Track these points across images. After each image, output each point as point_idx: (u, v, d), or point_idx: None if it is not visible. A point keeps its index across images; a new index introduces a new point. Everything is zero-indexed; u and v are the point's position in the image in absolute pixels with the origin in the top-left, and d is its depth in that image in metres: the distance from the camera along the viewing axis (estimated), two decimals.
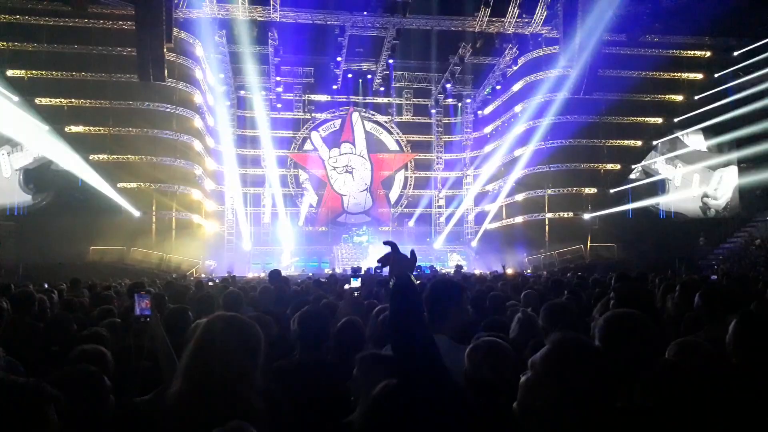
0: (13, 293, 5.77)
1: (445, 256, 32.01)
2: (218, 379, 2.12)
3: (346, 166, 34.55)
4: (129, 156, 27.08)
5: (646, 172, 30.87)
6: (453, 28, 28.27)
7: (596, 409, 1.66)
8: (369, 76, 33.33)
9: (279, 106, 32.85)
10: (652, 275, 10.21)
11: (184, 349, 2.27)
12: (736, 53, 29.63)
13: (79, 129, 26.69)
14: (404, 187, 35.32)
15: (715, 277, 11.44)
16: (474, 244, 33.65)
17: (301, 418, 2.61)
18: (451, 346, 2.94)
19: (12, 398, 1.62)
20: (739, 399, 2.47)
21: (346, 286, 7.04)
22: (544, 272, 20.19)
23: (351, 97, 34.11)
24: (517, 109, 30.56)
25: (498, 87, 32.23)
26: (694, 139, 30.77)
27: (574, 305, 4.28)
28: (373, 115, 35.08)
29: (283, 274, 11.22)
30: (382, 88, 34.02)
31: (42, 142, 25.20)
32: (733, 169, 30.31)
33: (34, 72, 26.53)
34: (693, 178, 30.69)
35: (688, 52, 30.75)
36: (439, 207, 35.28)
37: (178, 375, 2.21)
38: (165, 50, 23.52)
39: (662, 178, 30.73)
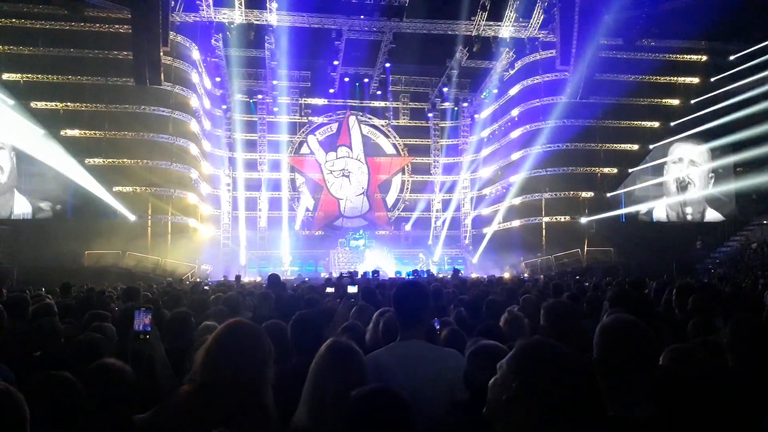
0: (6, 298, 5.73)
1: (442, 260, 31.98)
2: (230, 384, 2.16)
3: (343, 169, 34.51)
4: (125, 160, 27.02)
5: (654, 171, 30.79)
6: (450, 32, 28.29)
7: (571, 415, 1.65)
8: (366, 80, 33.33)
9: (276, 109, 32.81)
10: (648, 280, 10.21)
11: (194, 354, 2.31)
12: (732, 57, 29.73)
13: (75, 133, 26.61)
14: (401, 190, 35.30)
15: (706, 280, 11.46)
16: (470, 248, 33.65)
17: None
18: (428, 349, 2.93)
19: None
20: (737, 401, 2.45)
21: (328, 290, 7.02)
22: (542, 276, 20.20)
23: (348, 100, 34.11)
24: (514, 112, 30.60)
25: (495, 91, 32.28)
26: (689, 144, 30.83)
27: (574, 305, 4.26)
28: (370, 118, 35.06)
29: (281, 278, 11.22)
30: (379, 92, 34.03)
31: (37, 146, 25.12)
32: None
33: (29, 75, 26.45)
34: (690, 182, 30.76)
35: (685, 56, 30.86)
36: (437, 211, 35.27)
37: (193, 377, 2.26)
38: (161, 54, 23.54)
39: (662, 181, 30.76)
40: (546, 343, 1.72)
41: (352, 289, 5.03)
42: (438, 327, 3.98)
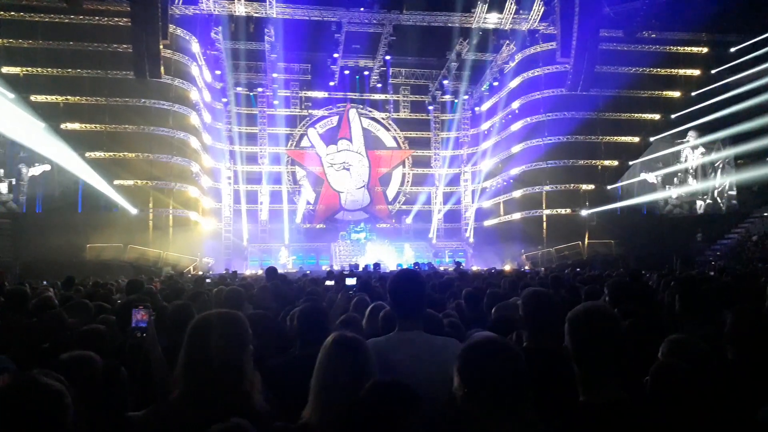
0: (6, 291, 5.74)
1: (442, 252, 31.99)
2: (212, 375, 2.15)
3: (344, 163, 34.47)
4: (125, 153, 27.00)
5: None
6: (450, 24, 28.20)
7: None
8: (366, 73, 33.23)
9: (276, 102, 32.73)
10: (650, 272, 10.22)
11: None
12: (733, 49, 29.61)
13: (75, 126, 26.60)
14: (402, 183, 35.27)
15: (712, 273, 11.46)
16: (471, 240, 33.67)
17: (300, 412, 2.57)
18: (427, 339, 2.87)
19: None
20: (736, 393, 2.46)
21: (328, 282, 7.06)
22: (542, 268, 20.22)
23: (348, 93, 34.00)
24: (515, 105, 30.54)
25: (495, 83, 32.18)
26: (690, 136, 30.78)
27: (555, 295, 4.23)
28: (370, 111, 34.99)
29: (281, 271, 11.25)
30: (379, 85, 33.92)
31: (38, 140, 25.10)
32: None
33: (29, 69, 26.40)
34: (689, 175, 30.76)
35: (686, 48, 30.74)
36: (437, 204, 35.22)
37: (179, 375, 2.23)
38: (161, 47, 23.46)
39: (662, 174, 30.74)
40: (486, 343, 1.92)
41: (351, 281, 5.04)
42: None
